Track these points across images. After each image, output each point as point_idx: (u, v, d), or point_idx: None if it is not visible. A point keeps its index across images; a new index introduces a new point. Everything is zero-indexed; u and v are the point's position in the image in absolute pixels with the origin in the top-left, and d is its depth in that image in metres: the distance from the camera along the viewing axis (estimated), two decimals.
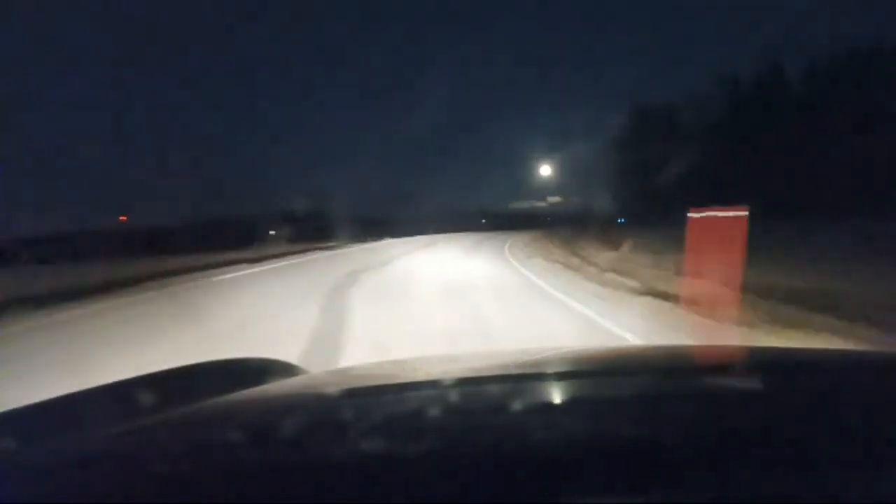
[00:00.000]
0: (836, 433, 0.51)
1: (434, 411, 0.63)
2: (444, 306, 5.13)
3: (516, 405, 0.65)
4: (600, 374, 0.87)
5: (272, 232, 36.43)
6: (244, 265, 12.09)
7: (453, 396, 0.70)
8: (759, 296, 4.44)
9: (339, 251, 17.99)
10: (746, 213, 4.21)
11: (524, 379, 0.82)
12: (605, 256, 9.63)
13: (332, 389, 0.79)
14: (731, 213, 4.37)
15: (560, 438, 0.52)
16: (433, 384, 0.77)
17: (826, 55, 24.33)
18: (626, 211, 27.18)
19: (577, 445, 0.49)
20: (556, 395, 0.71)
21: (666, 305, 4.73)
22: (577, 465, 0.44)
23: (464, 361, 1.10)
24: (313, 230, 32.68)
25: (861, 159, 19.22)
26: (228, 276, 9.73)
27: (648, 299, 5.05)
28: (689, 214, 4.90)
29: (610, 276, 6.84)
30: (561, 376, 0.83)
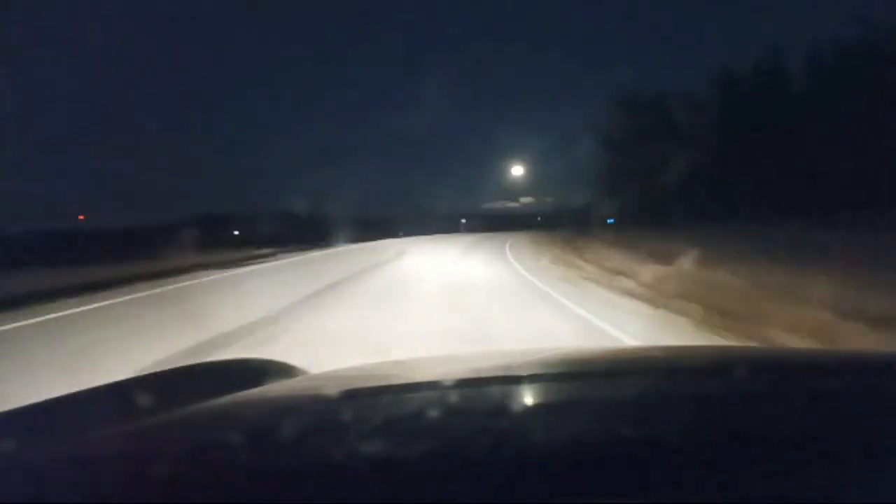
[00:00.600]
0: (836, 433, 0.51)
1: (434, 412, 0.62)
2: None
3: (516, 406, 0.65)
4: (600, 375, 0.86)
5: (236, 232, 35.89)
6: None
7: (453, 397, 0.70)
8: None
9: (240, 272, 11.06)
10: None
11: (524, 380, 0.80)
12: (656, 274, 6.86)
13: (332, 390, 0.77)
14: None
15: (560, 439, 0.51)
16: (433, 385, 0.76)
17: (829, 46, 23.12)
18: (625, 211, 25.11)
19: (577, 446, 0.49)
20: (556, 396, 0.71)
21: None
22: (577, 466, 0.43)
23: (463, 362, 1.08)
24: (267, 232, 30.72)
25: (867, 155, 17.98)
26: None
27: None
28: None
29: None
30: (560, 377, 0.84)
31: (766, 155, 21.46)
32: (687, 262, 7.31)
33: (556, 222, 34.68)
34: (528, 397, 0.69)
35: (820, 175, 20.10)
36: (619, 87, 31.65)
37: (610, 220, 27.97)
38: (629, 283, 6.40)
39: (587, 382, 0.79)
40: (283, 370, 1.03)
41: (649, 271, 7.19)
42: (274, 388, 0.86)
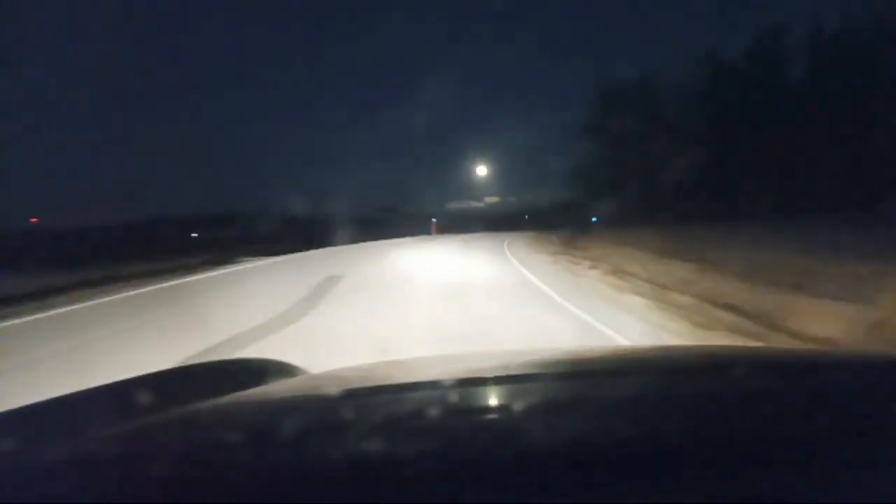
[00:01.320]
0: (836, 433, 0.51)
1: (433, 412, 0.62)
2: None
3: (515, 405, 0.65)
4: (599, 374, 0.86)
5: (194, 235, 34.58)
6: None
7: (452, 397, 0.69)
8: None
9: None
10: None
11: (523, 379, 0.81)
12: (855, 318, 3.96)
13: (332, 390, 0.78)
14: None
15: (560, 439, 0.51)
16: (432, 385, 0.76)
17: (829, 41, 22.36)
18: (626, 209, 23.29)
19: (577, 446, 0.49)
20: (556, 396, 0.71)
21: None
22: (576, 466, 0.43)
23: (462, 362, 1.08)
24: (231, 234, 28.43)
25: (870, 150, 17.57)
26: None
27: None
28: None
29: None
30: (560, 377, 0.84)
31: (766, 152, 20.80)
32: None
33: (544, 221, 31.31)
34: (528, 397, 0.69)
35: (820, 172, 19.43)
36: (600, 80, 30.13)
37: (594, 220, 26.53)
38: None
39: (587, 382, 0.80)
40: (283, 370, 1.03)
41: (831, 315, 4.21)
42: (274, 388, 0.86)
